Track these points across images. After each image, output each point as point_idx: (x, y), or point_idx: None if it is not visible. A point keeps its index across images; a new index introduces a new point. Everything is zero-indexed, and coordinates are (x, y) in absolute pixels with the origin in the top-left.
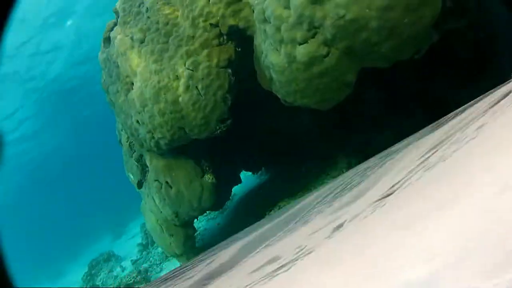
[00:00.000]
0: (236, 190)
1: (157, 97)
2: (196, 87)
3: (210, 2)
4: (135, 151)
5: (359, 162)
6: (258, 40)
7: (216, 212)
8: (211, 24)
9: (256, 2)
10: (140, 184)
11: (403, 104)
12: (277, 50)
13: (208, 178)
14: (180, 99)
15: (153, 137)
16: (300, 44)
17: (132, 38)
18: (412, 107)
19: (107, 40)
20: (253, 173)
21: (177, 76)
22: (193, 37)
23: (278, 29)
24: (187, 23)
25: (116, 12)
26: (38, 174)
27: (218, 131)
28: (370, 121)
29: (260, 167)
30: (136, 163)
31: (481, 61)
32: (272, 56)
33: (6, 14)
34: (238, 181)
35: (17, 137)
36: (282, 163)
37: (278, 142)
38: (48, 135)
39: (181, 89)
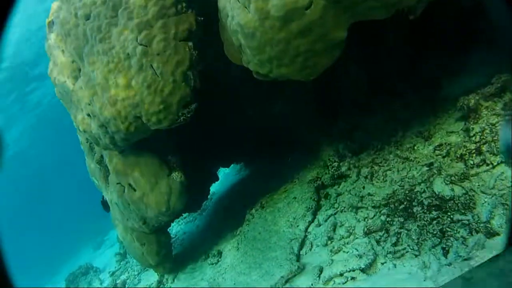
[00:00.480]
0: (215, 188)
1: (106, 82)
2: (151, 65)
3: None
4: (95, 153)
5: (347, 147)
6: (222, 1)
7: (195, 214)
8: None
9: None
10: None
11: (390, 84)
12: (245, 7)
13: (176, 176)
14: (133, 82)
15: (107, 132)
16: None
17: (76, 15)
18: (400, 88)
19: (52, 24)
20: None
21: (128, 54)
22: (145, 6)
23: None
24: None
25: None
26: (16, 184)
27: (182, 118)
28: (356, 104)
29: (237, 161)
30: (98, 166)
31: (469, 32)
32: (239, 16)
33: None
34: (215, 178)
35: None
36: (262, 156)
37: (255, 132)
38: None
39: (133, 69)
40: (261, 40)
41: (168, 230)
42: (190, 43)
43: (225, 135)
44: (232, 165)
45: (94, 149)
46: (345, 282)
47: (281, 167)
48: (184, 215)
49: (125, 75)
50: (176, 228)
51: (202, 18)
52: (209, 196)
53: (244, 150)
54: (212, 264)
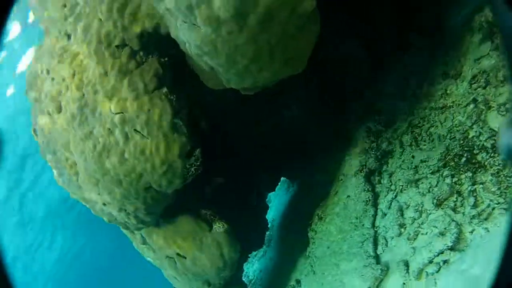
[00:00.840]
0: (272, 214)
1: (101, 166)
2: (135, 130)
3: (103, 20)
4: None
5: (377, 122)
6: (173, 30)
7: (264, 247)
8: (117, 47)
9: None
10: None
11: (391, 40)
12: (193, 24)
13: (218, 227)
14: (126, 154)
15: (129, 214)
16: None
17: (49, 113)
18: (403, 39)
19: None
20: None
21: (109, 129)
22: (105, 73)
23: None
24: (93, 61)
25: None
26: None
27: (192, 169)
28: (363, 77)
29: (276, 182)
30: (144, 246)
31: None
32: (192, 36)
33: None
34: (265, 207)
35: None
36: (295, 168)
37: (273, 147)
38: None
39: (121, 142)
40: (226, 51)
41: (245, 273)
42: (164, 89)
43: (249, 161)
44: (277, 187)
45: (134, 233)
46: (439, 270)
47: (320, 171)
48: (254, 252)
49: (115, 151)
50: (251, 269)
51: (166, 58)
52: (269, 225)
53: (275, 167)
54: None
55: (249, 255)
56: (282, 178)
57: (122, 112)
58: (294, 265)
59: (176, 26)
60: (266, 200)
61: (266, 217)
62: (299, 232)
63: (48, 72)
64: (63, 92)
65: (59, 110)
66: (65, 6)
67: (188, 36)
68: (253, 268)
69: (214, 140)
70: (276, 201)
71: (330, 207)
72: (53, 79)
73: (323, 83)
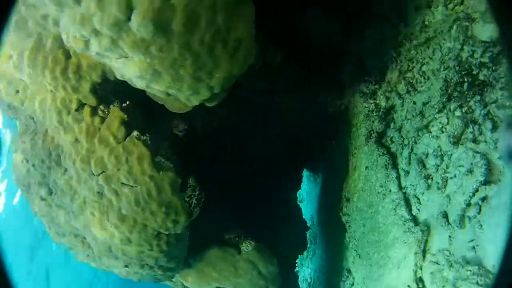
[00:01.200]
0: (309, 212)
1: (106, 231)
2: (122, 183)
3: (54, 90)
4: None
5: (368, 81)
6: (116, 72)
7: (312, 246)
8: (77, 110)
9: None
10: None
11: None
12: (126, 56)
13: (247, 247)
14: (123, 211)
15: (151, 267)
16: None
17: (42, 198)
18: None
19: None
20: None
21: (98, 192)
22: (76, 140)
23: (96, 31)
24: (60, 133)
25: None
26: None
27: (193, 202)
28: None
29: (297, 180)
30: None
31: None
32: (130, 71)
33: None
34: (297, 207)
35: None
36: (314, 158)
37: (284, 144)
38: None
39: (113, 200)
40: (167, 70)
41: (302, 278)
42: (135, 133)
43: (264, 166)
44: (304, 183)
45: (172, 281)
46: (480, 210)
47: (336, 152)
48: (304, 254)
49: (112, 211)
50: (307, 272)
51: (128, 102)
52: (309, 223)
53: (293, 164)
54: (351, 286)
55: (297, 260)
56: (306, 174)
57: (103, 171)
58: (341, 255)
59: (113, 66)
60: (298, 200)
61: (304, 216)
62: (336, 221)
63: (27, 161)
64: (47, 174)
65: (50, 192)
66: (17, 92)
67: (127, 71)
68: (308, 270)
69: (220, 156)
70: (309, 197)
71: (353, 185)
72: (33, 165)
73: (308, 65)
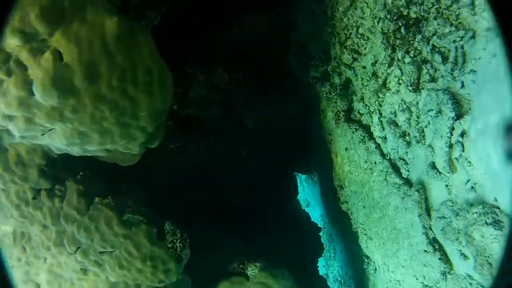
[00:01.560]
0: (318, 212)
1: None
2: (99, 252)
3: (5, 187)
4: None
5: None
6: (52, 147)
7: (327, 247)
8: (34, 198)
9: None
10: None
11: None
12: (48, 129)
13: (253, 271)
14: (111, 278)
15: None
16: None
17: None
18: None
19: None
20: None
21: (81, 268)
22: (44, 226)
23: (9, 116)
24: (27, 224)
25: None
26: None
27: (178, 245)
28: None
29: (290, 185)
30: None
31: None
32: (58, 140)
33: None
34: (303, 213)
35: None
36: (301, 159)
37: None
38: None
39: (98, 271)
40: (91, 129)
41: (333, 278)
42: (96, 200)
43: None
44: (303, 186)
45: None
46: (463, 147)
47: (317, 147)
48: (327, 254)
49: (102, 283)
50: (334, 271)
51: (81, 173)
52: (322, 223)
53: (282, 171)
54: (374, 271)
55: (318, 264)
56: (303, 178)
57: (78, 247)
58: (355, 243)
59: (44, 143)
60: (305, 205)
61: (314, 218)
62: (339, 212)
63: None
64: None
65: (38, 286)
66: None
67: (57, 143)
68: (335, 269)
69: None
70: (313, 199)
71: (340, 171)
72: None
73: (256, 71)
